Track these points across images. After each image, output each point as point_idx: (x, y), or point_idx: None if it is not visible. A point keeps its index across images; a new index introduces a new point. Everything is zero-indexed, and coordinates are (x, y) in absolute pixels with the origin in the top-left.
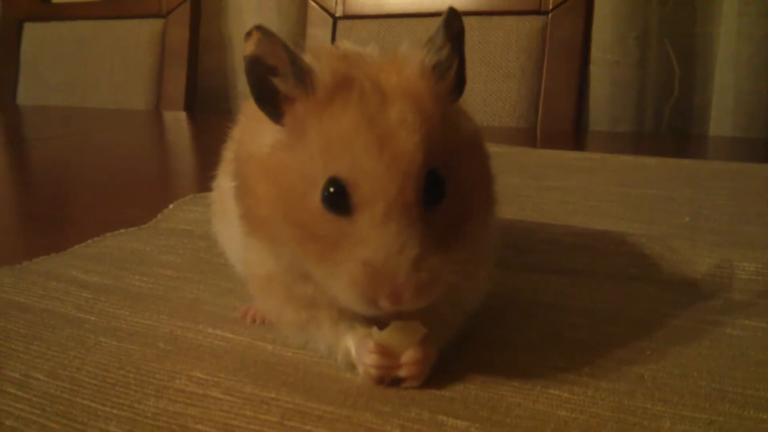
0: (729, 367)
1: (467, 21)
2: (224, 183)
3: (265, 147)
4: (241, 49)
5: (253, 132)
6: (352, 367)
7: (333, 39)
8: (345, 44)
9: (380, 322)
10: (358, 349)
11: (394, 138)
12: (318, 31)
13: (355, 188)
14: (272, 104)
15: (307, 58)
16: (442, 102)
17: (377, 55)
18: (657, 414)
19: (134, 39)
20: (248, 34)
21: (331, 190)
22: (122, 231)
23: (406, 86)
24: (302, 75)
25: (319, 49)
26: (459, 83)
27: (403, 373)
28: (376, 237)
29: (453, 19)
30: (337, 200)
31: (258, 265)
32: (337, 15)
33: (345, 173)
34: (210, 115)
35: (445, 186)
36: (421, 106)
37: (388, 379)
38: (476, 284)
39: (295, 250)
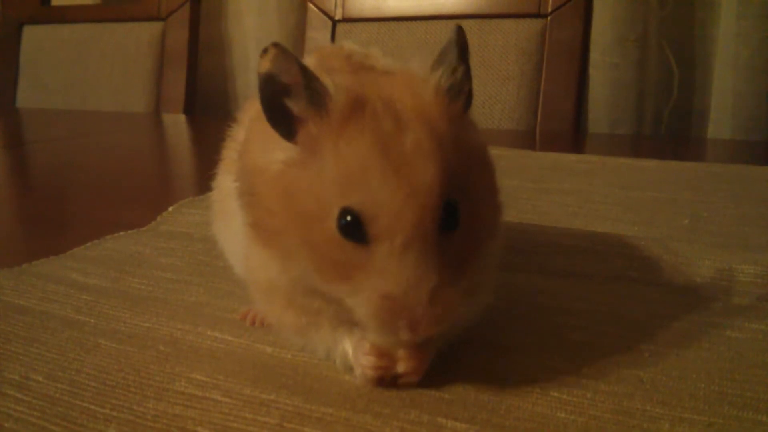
0: (728, 370)
1: (466, 24)
2: (224, 182)
3: (276, 163)
4: (240, 52)
5: (261, 142)
6: (350, 369)
7: (332, 42)
8: (347, 44)
9: None
10: (354, 351)
11: (410, 167)
12: (317, 34)
13: (372, 220)
14: (284, 123)
15: (309, 61)
16: (455, 123)
17: (381, 57)
18: (656, 416)
19: (134, 42)
20: (264, 51)
21: (348, 218)
22: (121, 234)
23: (420, 109)
24: (316, 96)
25: (322, 49)
26: (467, 98)
27: (400, 368)
28: (394, 269)
29: (461, 38)
30: (354, 230)
31: (261, 270)
32: (337, 18)
33: (361, 205)
34: (209, 117)
35: (460, 213)
36: (436, 130)
37: (386, 380)
38: (480, 294)
39: (309, 268)
